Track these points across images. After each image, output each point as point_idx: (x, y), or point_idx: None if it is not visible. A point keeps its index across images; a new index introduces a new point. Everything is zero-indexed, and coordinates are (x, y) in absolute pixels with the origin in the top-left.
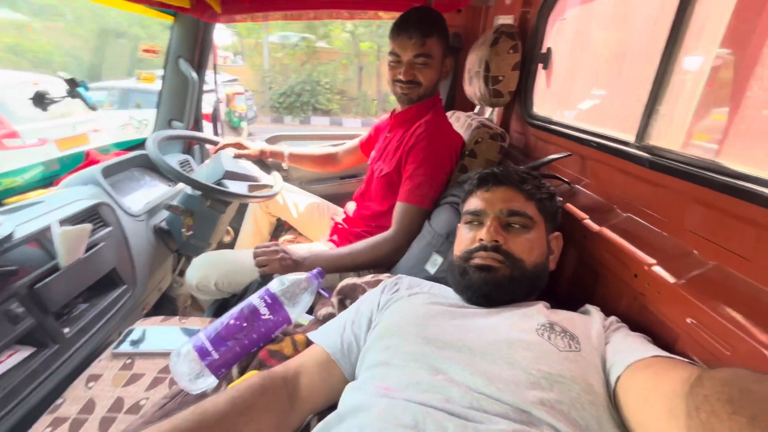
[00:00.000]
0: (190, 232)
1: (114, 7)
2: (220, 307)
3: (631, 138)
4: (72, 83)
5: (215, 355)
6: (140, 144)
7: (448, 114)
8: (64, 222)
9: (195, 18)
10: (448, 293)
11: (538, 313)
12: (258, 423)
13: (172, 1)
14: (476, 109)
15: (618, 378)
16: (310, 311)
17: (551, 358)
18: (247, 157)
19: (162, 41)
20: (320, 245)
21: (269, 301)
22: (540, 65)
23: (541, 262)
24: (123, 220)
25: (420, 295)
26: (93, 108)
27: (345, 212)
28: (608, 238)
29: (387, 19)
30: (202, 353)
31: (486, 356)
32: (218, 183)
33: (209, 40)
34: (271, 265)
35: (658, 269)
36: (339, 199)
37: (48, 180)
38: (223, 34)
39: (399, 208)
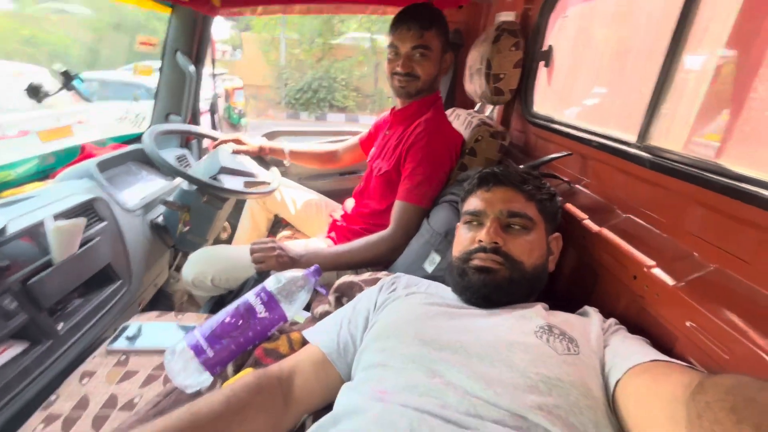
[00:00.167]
0: (187, 228)
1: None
2: (217, 303)
3: (632, 138)
4: (67, 76)
5: (210, 353)
6: (137, 138)
7: (448, 112)
8: (58, 216)
9: (193, 11)
10: (445, 293)
11: (536, 315)
12: (253, 422)
13: None
14: (476, 107)
15: (617, 382)
16: (307, 308)
17: (550, 361)
18: (246, 153)
19: None
20: (318, 242)
21: (265, 298)
22: (541, 63)
23: (540, 263)
24: (118, 215)
25: (417, 295)
26: (88, 100)
27: (343, 209)
28: (608, 239)
29: (389, 14)
30: (197, 351)
31: (484, 358)
32: (214, 178)
33: (207, 34)
34: (268, 262)
35: (658, 271)
36: (338, 195)
37: (43, 174)
38: (221, 28)
39: (397, 207)
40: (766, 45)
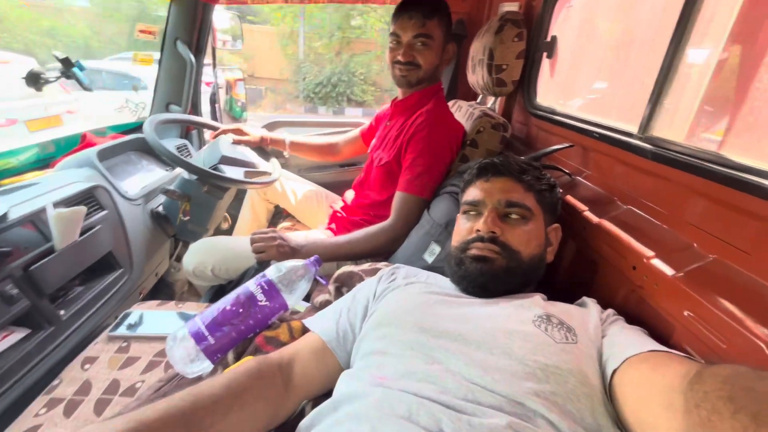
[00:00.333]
0: (187, 218)
1: None
2: (217, 293)
3: (634, 129)
4: (67, 63)
5: (211, 340)
6: (137, 128)
7: (450, 103)
8: (58, 204)
9: None
10: (444, 283)
11: (534, 304)
12: (253, 407)
13: None
14: (478, 99)
15: (614, 371)
16: (307, 298)
17: (548, 349)
18: (247, 143)
19: None
20: (318, 233)
21: (266, 287)
22: (545, 54)
23: (538, 253)
24: (119, 204)
25: (417, 285)
26: (88, 89)
27: (343, 201)
28: (607, 230)
29: (390, 4)
30: (198, 338)
31: (482, 346)
32: (215, 168)
33: (208, 22)
34: (269, 252)
35: (657, 262)
36: (338, 187)
37: (43, 162)
38: (222, 17)
39: (398, 197)
40: None
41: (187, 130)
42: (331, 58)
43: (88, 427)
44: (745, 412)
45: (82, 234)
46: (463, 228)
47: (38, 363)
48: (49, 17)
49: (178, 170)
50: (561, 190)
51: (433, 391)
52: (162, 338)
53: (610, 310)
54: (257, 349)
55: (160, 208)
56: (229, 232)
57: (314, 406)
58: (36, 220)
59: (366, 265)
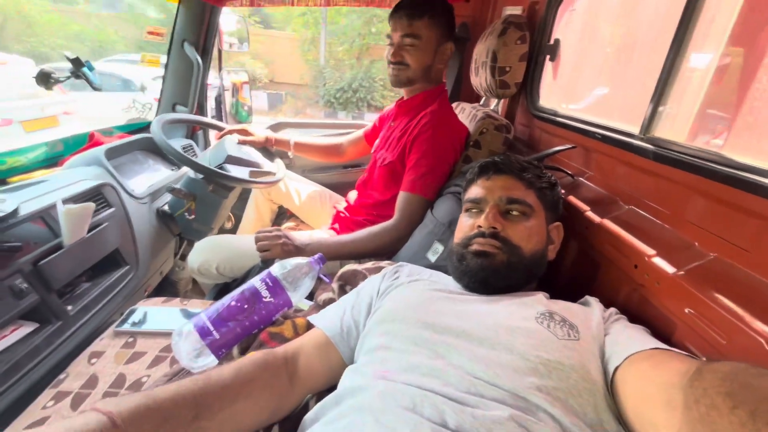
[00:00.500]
0: (192, 216)
1: None
2: (221, 291)
3: (635, 130)
4: (77, 63)
5: (216, 335)
6: (144, 128)
7: (453, 105)
8: (67, 201)
9: (201, 1)
10: (447, 281)
11: (537, 302)
12: (258, 397)
13: None
14: (481, 101)
15: (616, 368)
16: (311, 297)
17: (550, 345)
18: (252, 144)
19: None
20: (321, 233)
21: (270, 284)
22: (547, 57)
23: (539, 250)
24: (126, 202)
25: (420, 282)
26: (98, 89)
27: (347, 201)
28: (609, 230)
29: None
30: (204, 333)
31: (484, 342)
32: (220, 167)
33: (215, 25)
34: (273, 250)
35: (658, 260)
36: (342, 188)
37: (52, 160)
38: (229, 20)
39: (402, 197)
40: None
41: (192, 130)
42: (351, 63)
43: (105, 399)
44: (744, 408)
45: (89, 231)
46: (465, 225)
47: (46, 357)
48: (78, 22)
49: (184, 170)
50: (563, 191)
51: (437, 385)
52: (167, 334)
53: (612, 309)
54: (262, 344)
55: (166, 207)
56: (233, 231)
57: (318, 400)
58: (46, 216)
59: (369, 264)
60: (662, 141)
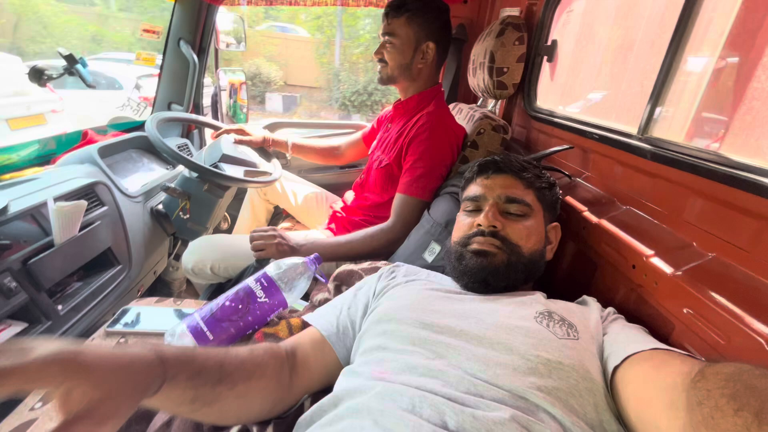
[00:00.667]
0: (187, 216)
1: None
2: (215, 291)
3: (633, 130)
4: (70, 59)
5: (210, 336)
6: (138, 126)
7: (451, 106)
8: (59, 199)
9: None
10: (445, 280)
11: (536, 301)
12: (267, 383)
13: None
14: (479, 102)
15: (615, 368)
16: (306, 297)
17: (550, 345)
18: (249, 143)
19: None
20: (317, 233)
21: (265, 284)
22: (545, 58)
23: (537, 249)
24: (119, 201)
25: (417, 282)
26: (91, 86)
27: (343, 201)
28: (607, 230)
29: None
30: (197, 334)
31: (483, 341)
32: (215, 166)
33: (211, 23)
34: (268, 250)
35: (656, 260)
36: (339, 189)
37: (44, 158)
38: (225, 18)
39: (398, 199)
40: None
41: (188, 129)
42: (366, 66)
43: (152, 342)
44: (748, 409)
45: (81, 229)
46: (464, 223)
47: None
48: (95, 23)
49: (179, 169)
50: (561, 191)
51: (436, 385)
52: (160, 335)
53: (610, 309)
54: (256, 344)
55: (161, 206)
56: (228, 232)
57: (313, 402)
58: (36, 213)
59: (366, 264)
60: (660, 141)
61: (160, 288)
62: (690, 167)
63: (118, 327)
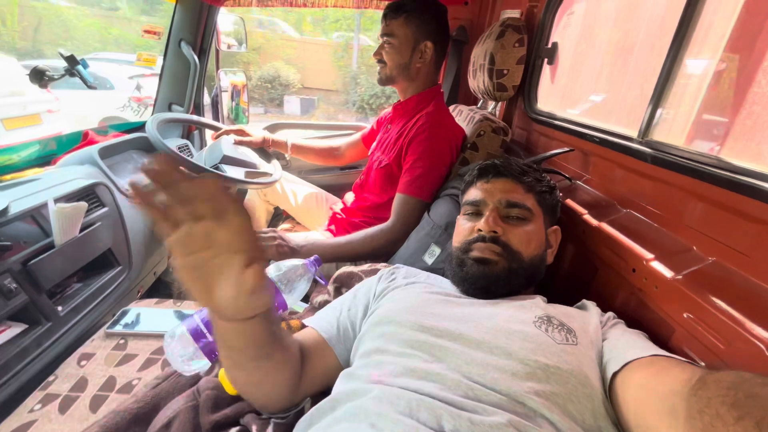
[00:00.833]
0: None
1: None
2: None
3: (633, 134)
4: (72, 60)
5: (209, 338)
6: (139, 127)
7: (451, 107)
8: (59, 200)
9: (199, 1)
10: (444, 283)
11: (535, 305)
12: (294, 364)
13: None
14: (479, 104)
15: (615, 374)
16: (306, 299)
17: (549, 350)
18: (249, 144)
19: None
20: (317, 234)
21: None
22: (545, 60)
23: (538, 254)
24: (120, 202)
25: (417, 284)
26: (92, 87)
27: (343, 202)
28: (607, 233)
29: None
30: (197, 335)
31: (482, 345)
32: (215, 167)
33: (212, 24)
34: (268, 251)
35: (657, 264)
36: (339, 190)
37: (45, 159)
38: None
39: (398, 199)
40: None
41: (189, 130)
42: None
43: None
44: (749, 418)
45: (81, 230)
46: (464, 228)
47: (35, 359)
48: (118, 27)
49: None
50: (561, 194)
51: (433, 388)
52: (159, 336)
53: (610, 313)
54: None
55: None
56: None
57: (313, 404)
58: (36, 215)
59: (366, 266)
60: (660, 144)
61: (161, 289)
62: (690, 171)
63: (118, 328)
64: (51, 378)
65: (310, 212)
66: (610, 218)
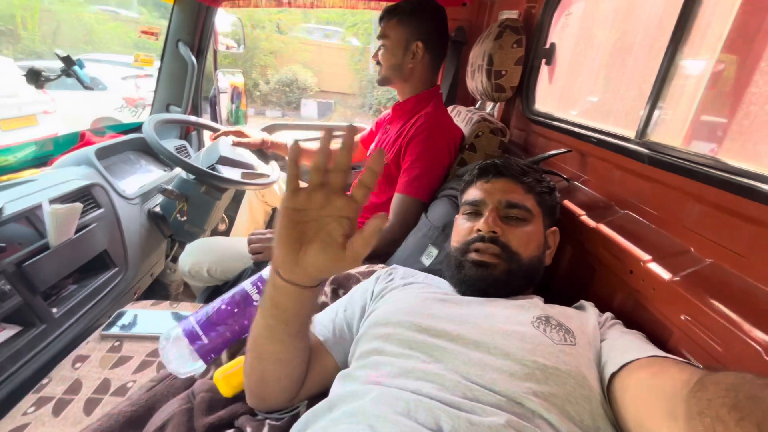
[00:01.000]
0: (185, 218)
1: None
2: (212, 294)
3: (631, 134)
4: (68, 61)
5: (205, 340)
6: (136, 128)
7: (449, 108)
8: (54, 201)
9: (196, 1)
10: (442, 284)
11: (533, 306)
12: (304, 358)
13: None
14: (477, 104)
15: (613, 375)
16: None
17: (547, 350)
18: (247, 145)
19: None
20: None
21: (261, 287)
22: (543, 60)
23: (537, 255)
24: (116, 203)
25: (415, 285)
26: (89, 87)
27: None
28: (605, 235)
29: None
30: (192, 337)
31: (480, 346)
32: (212, 168)
33: (210, 25)
34: (266, 252)
35: (654, 266)
36: None
37: (41, 160)
38: (224, 21)
39: (396, 199)
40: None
41: (186, 131)
42: None
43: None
44: (750, 420)
45: (77, 232)
46: (463, 228)
47: (29, 361)
48: (136, 31)
49: (177, 171)
50: (559, 195)
51: (431, 389)
52: (155, 338)
53: (608, 314)
54: None
55: (158, 208)
56: (226, 234)
57: (309, 407)
58: (31, 216)
59: (363, 267)
60: (657, 145)
61: (158, 290)
62: (687, 172)
63: (114, 330)
64: (45, 380)
65: None
66: (608, 219)
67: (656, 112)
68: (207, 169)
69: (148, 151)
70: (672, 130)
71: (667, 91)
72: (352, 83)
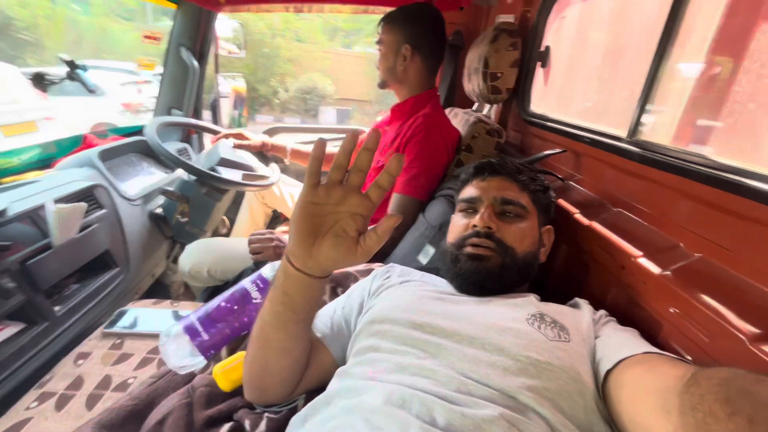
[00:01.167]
0: (186, 219)
1: None
2: (212, 294)
3: (623, 134)
4: (72, 65)
5: (205, 336)
6: (138, 131)
7: (447, 110)
8: (58, 201)
9: (198, 6)
10: (439, 282)
11: (528, 303)
12: (305, 352)
13: None
14: (474, 106)
15: (608, 372)
16: None
17: (541, 346)
18: (248, 148)
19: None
20: None
21: (261, 285)
22: (539, 63)
23: (531, 252)
24: (118, 203)
25: (412, 283)
26: (92, 91)
27: None
28: (598, 232)
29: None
30: (192, 333)
31: (475, 342)
32: (213, 169)
33: (211, 30)
34: (266, 253)
35: (644, 261)
36: None
37: (45, 162)
38: (226, 26)
39: (394, 198)
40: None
41: (188, 133)
42: None
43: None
44: (742, 414)
45: (80, 231)
46: (459, 224)
47: (32, 358)
48: (166, 42)
49: (179, 172)
50: (554, 194)
51: (426, 384)
52: (156, 336)
53: (602, 311)
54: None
55: (159, 210)
56: (227, 236)
57: (306, 401)
58: (35, 216)
59: (361, 266)
60: (648, 144)
61: (159, 291)
62: (676, 169)
63: (115, 328)
64: (47, 376)
65: None
66: (601, 217)
67: (646, 112)
68: (208, 171)
69: (150, 153)
70: (662, 129)
71: (656, 91)
72: (370, 90)
